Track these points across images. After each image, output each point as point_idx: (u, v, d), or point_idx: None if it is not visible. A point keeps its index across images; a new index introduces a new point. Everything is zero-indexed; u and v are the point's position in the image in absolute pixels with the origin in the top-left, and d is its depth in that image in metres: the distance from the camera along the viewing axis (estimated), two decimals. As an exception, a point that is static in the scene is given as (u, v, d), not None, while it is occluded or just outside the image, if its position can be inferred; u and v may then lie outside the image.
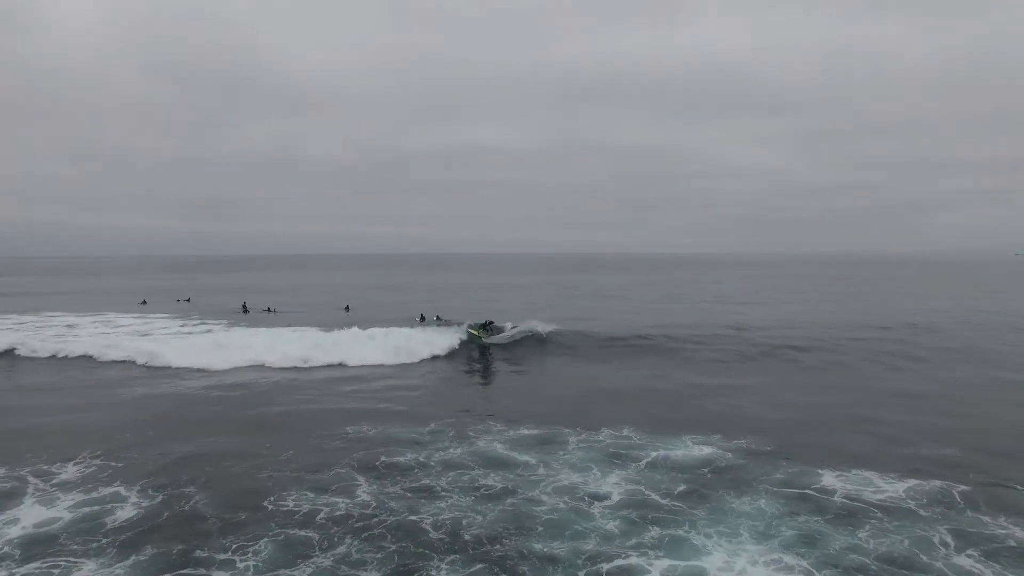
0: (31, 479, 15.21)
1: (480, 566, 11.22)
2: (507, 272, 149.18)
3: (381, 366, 29.54)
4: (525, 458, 16.55)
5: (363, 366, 29.46)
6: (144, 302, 59.90)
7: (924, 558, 11.43)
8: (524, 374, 29.07)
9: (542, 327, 35.54)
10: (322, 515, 13.19)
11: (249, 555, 11.57)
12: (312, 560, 11.40)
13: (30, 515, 13.26)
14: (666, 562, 11.30)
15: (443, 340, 32.88)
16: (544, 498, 14.00)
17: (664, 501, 13.86)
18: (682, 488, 14.58)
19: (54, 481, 15.11)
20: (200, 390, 25.02)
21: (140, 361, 29.95)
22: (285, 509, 13.50)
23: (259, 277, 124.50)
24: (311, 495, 14.21)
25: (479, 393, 26.06)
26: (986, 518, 12.95)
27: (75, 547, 11.91)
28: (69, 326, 41.73)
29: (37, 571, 11.13)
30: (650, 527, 12.60)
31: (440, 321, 41.91)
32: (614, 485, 14.75)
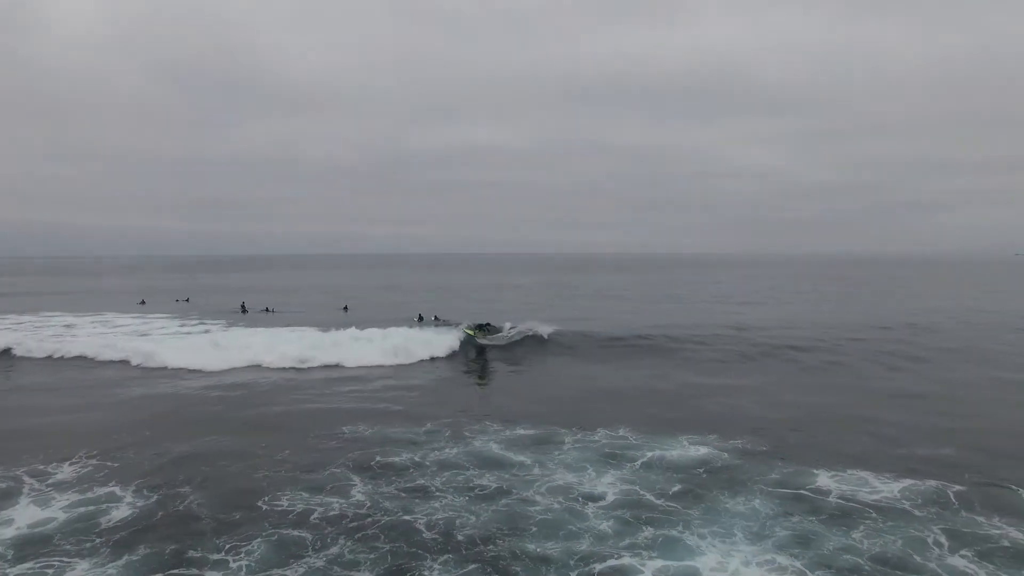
0: (27, 479, 15.21)
1: (473, 566, 11.21)
2: (507, 272, 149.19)
3: (379, 367, 29.53)
4: (520, 458, 16.54)
5: (361, 367, 29.44)
6: (143, 302, 59.93)
7: (917, 558, 11.41)
8: (523, 374, 29.05)
9: (541, 328, 35.40)
10: (316, 515, 13.18)
11: (242, 555, 11.56)
12: (304, 560, 11.39)
13: (25, 515, 13.27)
14: (659, 562, 11.28)
15: (442, 341, 32.81)
16: (538, 498, 13.98)
17: (658, 501, 13.85)
18: (677, 488, 14.57)
19: (49, 481, 15.11)
20: (197, 390, 25.01)
21: (137, 361, 29.93)
22: (279, 509, 13.49)
23: (259, 277, 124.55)
24: (306, 495, 14.20)
25: (476, 393, 26.03)
26: (980, 518, 12.93)
27: (68, 547, 11.91)
28: (67, 326, 41.76)
29: (30, 571, 11.13)
30: (644, 527, 12.59)
31: (438, 321, 41.90)
32: (609, 485, 14.74)
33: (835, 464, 15.99)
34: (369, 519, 12.99)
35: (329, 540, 12.10)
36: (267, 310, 52.66)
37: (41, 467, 15.98)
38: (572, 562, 11.31)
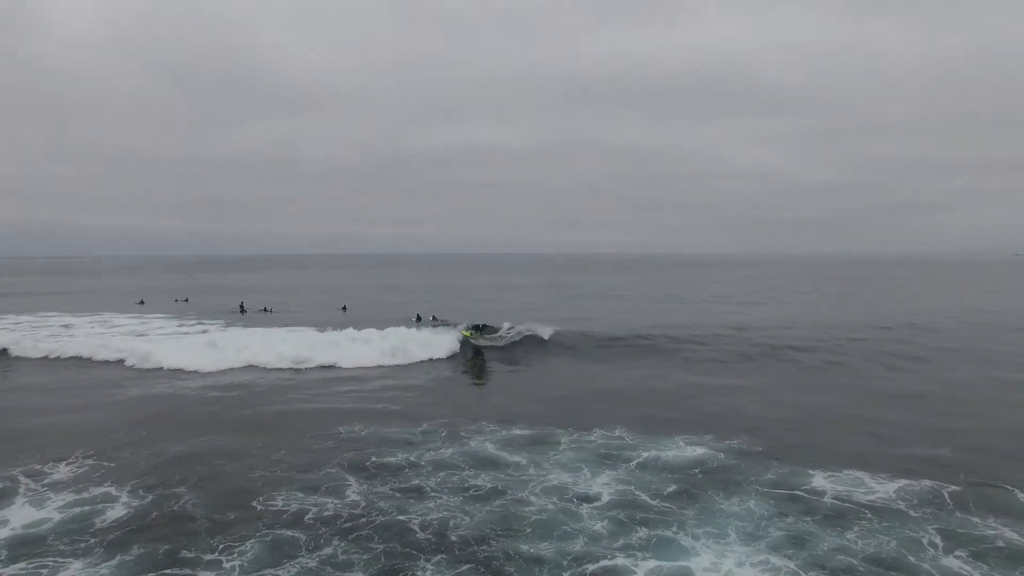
0: (23, 479, 15.21)
1: (466, 567, 11.20)
2: (507, 272, 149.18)
3: (377, 367, 29.51)
4: (516, 458, 16.53)
5: (358, 367, 29.43)
6: (142, 302, 59.96)
7: (912, 559, 11.39)
8: (521, 374, 29.03)
9: (541, 329, 35.10)
10: (310, 515, 13.17)
11: (235, 555, 11.56)
12: (298, 560, 11.39)
13: (20, 516, 13.27)
14: (652, 563, 11.27)
15: (441, 342, 32.69)
16: (533, 499, 13.97)
17: (653, 502, 13.83)
18: (672, 489, 14.55)
19: (45, 481, 15.11)
20: (194, 390, 25.01)
21: (133, 362, 29.88)
22: (274, 509, 13.49)
23: (258, 277, 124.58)
24: (300, 495, 14.20)
25: (474, 394, 26.02)
26: (975, 518, 12.91)
27: (63, 547, 11.91)
28: (65, 326, 41.75)
29: (23, 572, 11.13)
30: (638, 528, 12.57)
31: (436, 321, 41.87)
32: (604, 485, 14.72)
33: (831, 464, 15.97)
34: (363, 519, 12.98)
35: (323, 540, 12.09)
36: (265, 310, 52.67)
37: (37, 467, 15.98)
38: (565, 562, 11.29)
